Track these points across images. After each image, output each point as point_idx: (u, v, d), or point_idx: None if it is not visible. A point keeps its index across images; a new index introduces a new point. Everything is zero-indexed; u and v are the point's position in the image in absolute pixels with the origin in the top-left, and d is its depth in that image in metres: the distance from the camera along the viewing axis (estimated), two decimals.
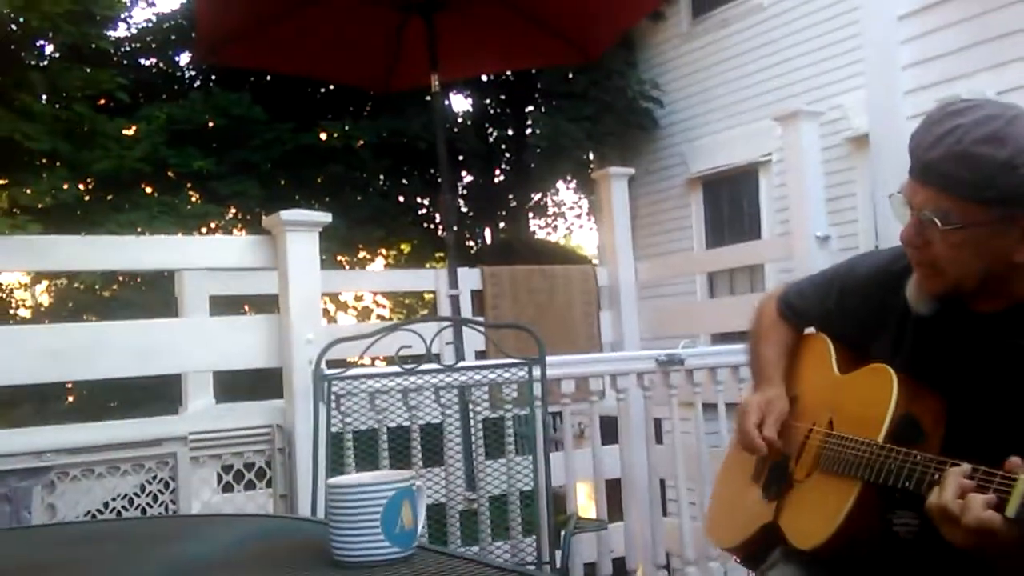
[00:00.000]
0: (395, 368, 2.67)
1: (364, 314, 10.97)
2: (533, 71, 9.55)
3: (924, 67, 3.96)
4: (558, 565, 2.39)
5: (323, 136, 9.95)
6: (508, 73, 10.90)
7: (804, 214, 3.86)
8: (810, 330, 1.76)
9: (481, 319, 4.23)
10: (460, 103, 11.62)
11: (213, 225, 9.17)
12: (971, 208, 1.30)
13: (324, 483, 1.82)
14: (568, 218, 13.46)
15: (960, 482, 1.16)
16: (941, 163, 1.30)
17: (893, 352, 1.49)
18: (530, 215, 12.65)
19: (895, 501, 1.36)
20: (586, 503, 3.78)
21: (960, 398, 1.40)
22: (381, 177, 10.71)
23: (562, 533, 2.38)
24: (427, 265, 10.00)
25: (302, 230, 3.05)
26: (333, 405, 2.70)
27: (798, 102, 4.43)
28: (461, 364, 2.74)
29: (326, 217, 3.11)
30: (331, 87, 10.13)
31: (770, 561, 1.58)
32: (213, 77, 10.13)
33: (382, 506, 1.21)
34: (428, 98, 5.31)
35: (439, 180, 5.49)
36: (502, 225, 12.25)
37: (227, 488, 3.02)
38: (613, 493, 3.65)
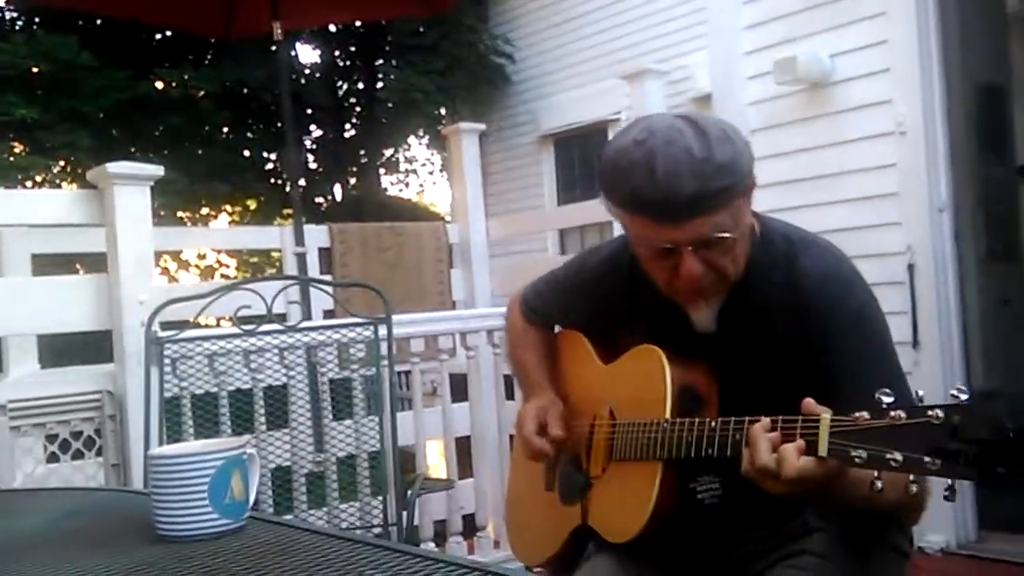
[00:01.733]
0: (235, 329, 2.55)
1: (207, 273, 10.58)
2: (383, 22, 9.33)
3: (765, 28, 4.06)
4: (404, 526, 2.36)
5: (160, 85, 9.43)
6: (357, 24, 10.63)
7: None
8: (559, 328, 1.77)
9: (329, 278, 4.12)
10: (308, 54, 11.26)
11: (39, 178, 8.58)
12: (735, 204, 1.32)
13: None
14: (421, 175, 13.32)
15: (768, 437, 1.18)
16: (705, 189, 1.27)
17: (636, 336, 1.50)
18: (382, 171, 12.44)
19: (695, 469, 1.39)
20: (438, 461, 3.77)
21: (716, 362, 1.43)
22: (224, 130, 10.27)
23: (408, 494, 2.34)
24: (275, 222, 9.67)
25: (131, 184, 2.86)
26: (169, 369, 2.57)
27: (646, 61, 4.48)
28: (304, 324, 2.65)
29: (158, 170, 2.93)
30: (168, 32, 9.60)
31: (585, 555, 1.57)
32: (37, 19, 9.41)
33: (209, 477, 1.13)
34: (273, 48, 5.08)
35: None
36: (353, 181, 11.99)
37: (53, 459, 2.84)
38: (465, 450, 3.64)
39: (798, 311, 1.37)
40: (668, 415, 1.39)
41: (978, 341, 3.82)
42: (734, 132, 1.34)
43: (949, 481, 1.07)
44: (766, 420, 1.21)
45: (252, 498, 1.19)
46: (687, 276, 1.33)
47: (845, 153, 3.81)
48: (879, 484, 1.09)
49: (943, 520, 3.49)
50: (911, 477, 1.09)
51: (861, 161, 3.77)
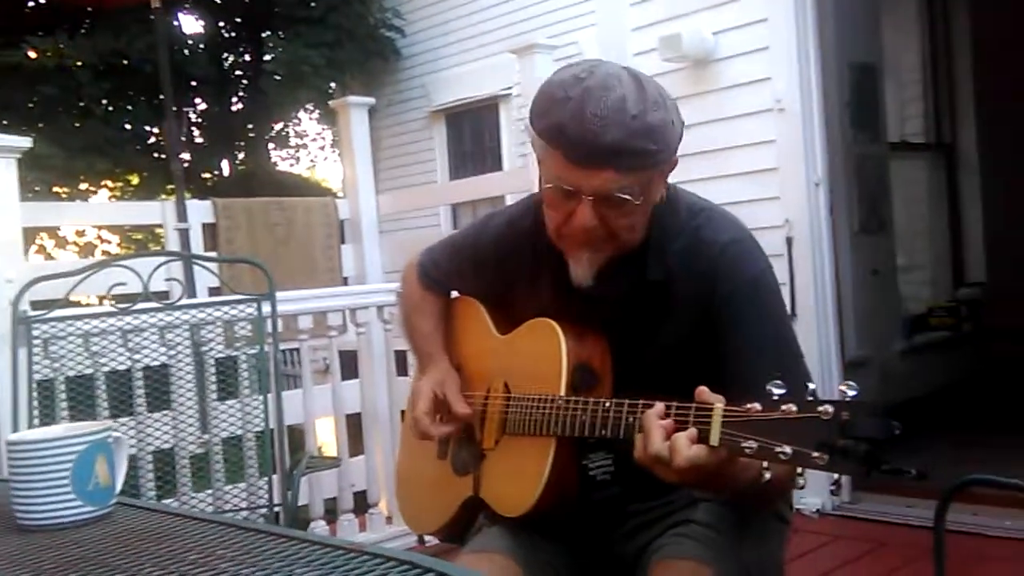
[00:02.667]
0: (110, 308, 2.46)
1: (87, 251, 10.16)
2: None
3: (650, 5, 4.11)
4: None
5: (32, 54, 8.97)
6: None
7: None
8: (455, 294, 1.74)
9: (213, 254, 4.00)
10: (191, 25, 10.88)
11: None
12: (648, 174, 1.31)
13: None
14: (312, 150, 13.09)
15: (662, 425, 1.18)
16: (624, 144, 1.25)
17: (534, 305, 1.51)
18: (271, 146, 12.16)
19: (588, 446, 1.40)
20: (332, 440, 3.73)
21: (612, 336, 1.45)
22: (103, 102, 9.84)
23: (294, 473, 2.31)
24: (160, 198, 9.35)
25: None
26: (40, 350, 2.46)
27: (537, 37, 4.48)
28: (183, 302, 2.56)
29: (24, 142, 2.79)
30: None
31: (476, 527, 1.57)
32: None
33: (72, 462, 1.09)
34: (152, 16, 4.87)
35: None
36: (241, 156, 11.68)
37: None
38: (358, 428, 3.61)
39: (698, 279, 1.38)
40: (563, 391, 1.39)
41: (850, 310, 3.99)
42: (672, 106, 1.32)
43: (835, 476, 1.08)
44: (660, 406, 1.20)
45: (119, 483, 1.15)
46: (578, 224, 1.32)
47: (728, 129, 3.91)
48: (767, 475, 1.10)
49: (819, 482, 3.61)
50: (764, 464, 1.10)
51: (743, 137, 3.88)
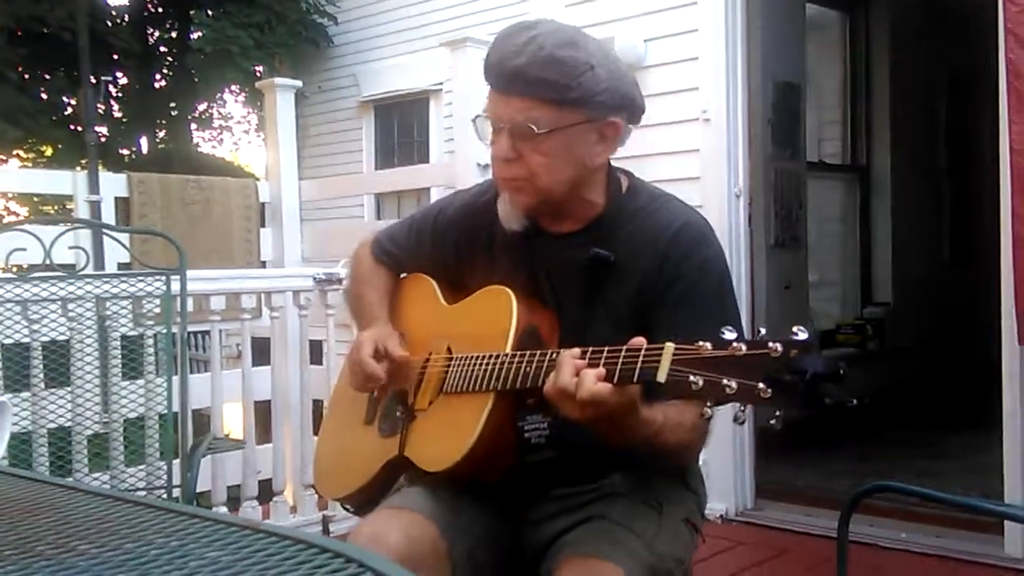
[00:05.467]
0: (7, 275, 2.36)
1: None
2: None
3: (585, 7, 4.14)
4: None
5: None
6: None
7: (468, 141, 3.92)
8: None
9: (113, 225, 3.87)
10: None
11: None
12: (558, 112, 1.39)
13: None
14: (236, 132, 12.82)
15: (574, 363, 1.23)
16: (528, 69, 1.36)
17: (487, 279, 1.53)
18: (193, 126, 11.88)
19: (525, 408, 1.40)
20: (240, 428, 3.65)
21: (561, 311, 1.48)
22: (19, 69, 9.48)
23: (194, 453, 2.25)
24: (74, 171, 9.04)
25: None
26: None
27: (470, 32, 4.47)
28: (87, 272, 2.47)
29: None
30: None
31: (395, 488, 1.55)
32: None
33: None
34: None
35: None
36: (162, 134, 11.38)
37: None
38: (268, 415, 3.54)
39: (649, 258, 1.43)
40: (509, 349, 1.39)
41: (763, 322, 4.07)
42: (606, 63, 1.39)
43: (778, 412, 1.11)
44: (576, 349, 1.25)
45: (2, 449, 1.10)
46: (495, 152, 1.43)
47: (653, 136, 3.95)
48: (708, 411, 1.16)
49: (724, 489, 3.71)
50: (706, 403, 1.14)
51: (669, 144, 3.92)
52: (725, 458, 3.64)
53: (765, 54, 4.24)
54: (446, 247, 1.64)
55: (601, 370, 1.20)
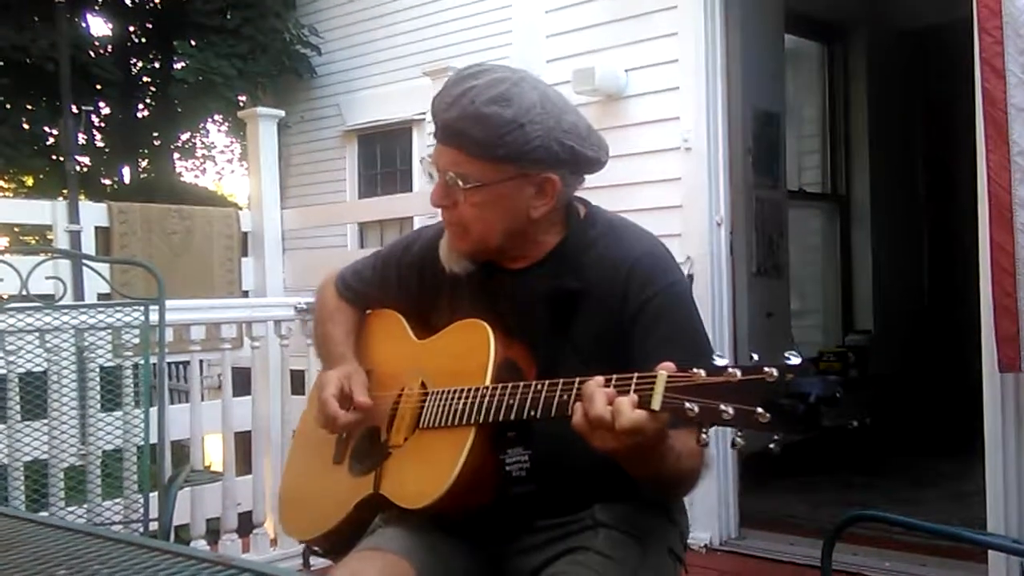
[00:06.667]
0: None
1: None
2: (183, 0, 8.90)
3: (566, 38, 4.17)
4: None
5: None
6: (155, 0, 10.07)
7: None
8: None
9: (91, 255, 3.84)
10: (100, 27, 10.57)
11: None
12: (486, 167, 1.40)
13: None
14: (219, 162, 12.79)
15: (604, 391, 1.19)
16: (456, 123, 1.38)
17: (453, 316, 1.52)
18: (176, 156, 11.85)
19: (505, 441, 1.38)
20: (220, 458, 3.61)
21: (530, 345, 1.46)
22: (0, 99, 9.45)
23: (171, 485, 2.22)
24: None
25: None
26: None
27: (453, 63, 4.49)
28: (65, 302, 2.45)
29: None
30: None
31: (370, 528, 1.51)
32: None
33: None
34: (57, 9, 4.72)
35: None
36: (144, 164, 11.34)
37: None
38: (248, 446, 3.50)
39: (611, 290, 1.42)
40: (488, 382, 1.38)
41: (745, 350, 4.07)
42: (543, 120, 1.38)
43: (776, 436, 1.10)
44: (599, 378, 1.22)
45: None
46: (432, 199, 1.47)
47: (635, 165, 3.98)
48: (705, 437, 1.14)
49: (709, 519, 3.69)
50: (702, 429, 1.13)
51: (650, 173, 3.95)
52: (709, 487, 3.63)
53: (745, 84, 4.28)
54: (411, 284, 1.63)
55: (634, 396, 1.17)
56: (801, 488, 4.30)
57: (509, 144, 1.37)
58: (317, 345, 1.79)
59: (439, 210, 1.50)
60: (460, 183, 1.40)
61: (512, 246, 1.47)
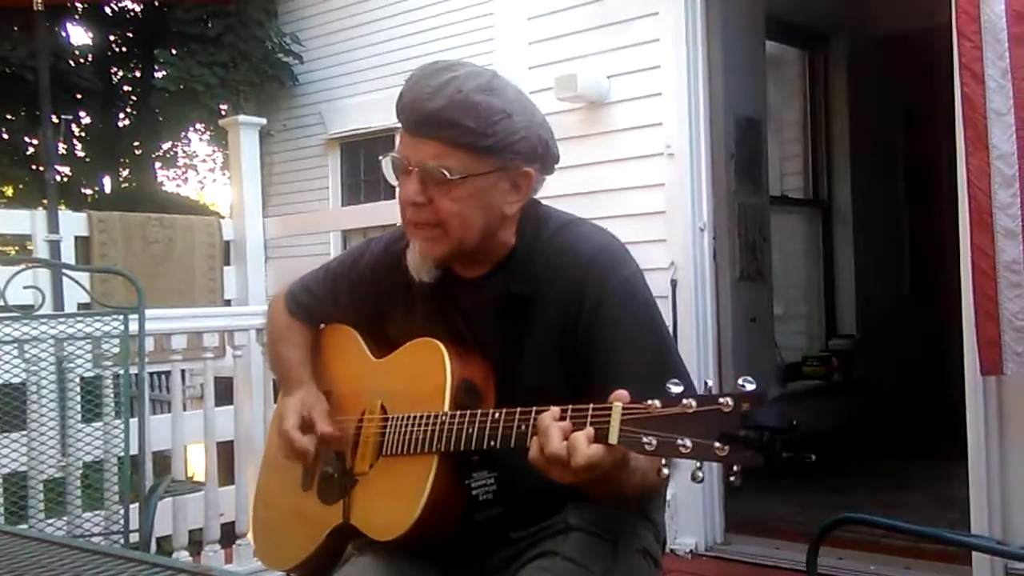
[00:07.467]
0: None
1: None
2: (164, 9, 8.86)
3: (548, 45, 4.18)
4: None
5: None
6: (136, 9, 10.03)
7: None
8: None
9: (71, 264, 3.81)
10: (80, 36, 10.52)
11: None
12: (470, 158, 1.35)
13: None
14: (201, 171, 12.73)
15: (559, 426, 1.17)
16: (443, 112, 1.32)
17: (407, 328, 1.50)
18: (158, 165, 11.79)
19: (470, 465, 1.37)
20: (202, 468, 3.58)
21: (488, 353, 1.44)
22: None
23: (151, 497, 2.20)
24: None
25: None
26: None
27: None
28: (43, 312, 2.43)
29: None
30: None
31: (344, 558, 1.50)
32: None
33: None
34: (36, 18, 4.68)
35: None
36: (125, 173, 11.29)
37: None
38: (231, 456, 3.48)
39: (566, 290, 1.39)
40: (447, 408, 1.36)
41: (729, 355, 4.08)
42: (523, 111, 1.36)
43: (736, 467, 1.08)
44: (555, 409, 1.19)
45: None
46: (405, 198, 1.37)
47: (618, 171, 3.98)
48: (665, 471, 1.11)
49: (694, 523, 3.69)
50: (662, 461, 1.11)
51: (633, 179, 3.95)
52: (694, 492, 3.63)
53: (727, 90, 4.29)
54: (364, 296, 1.59)
55: (591, 430, 1.15)
56: (786, 492, 4.30)
57: (498, 133, 1.34)
58: (272, 366, 1.76)
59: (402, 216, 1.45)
60: (446, 174, 1.33)
61: (479, 248, 1.43)
